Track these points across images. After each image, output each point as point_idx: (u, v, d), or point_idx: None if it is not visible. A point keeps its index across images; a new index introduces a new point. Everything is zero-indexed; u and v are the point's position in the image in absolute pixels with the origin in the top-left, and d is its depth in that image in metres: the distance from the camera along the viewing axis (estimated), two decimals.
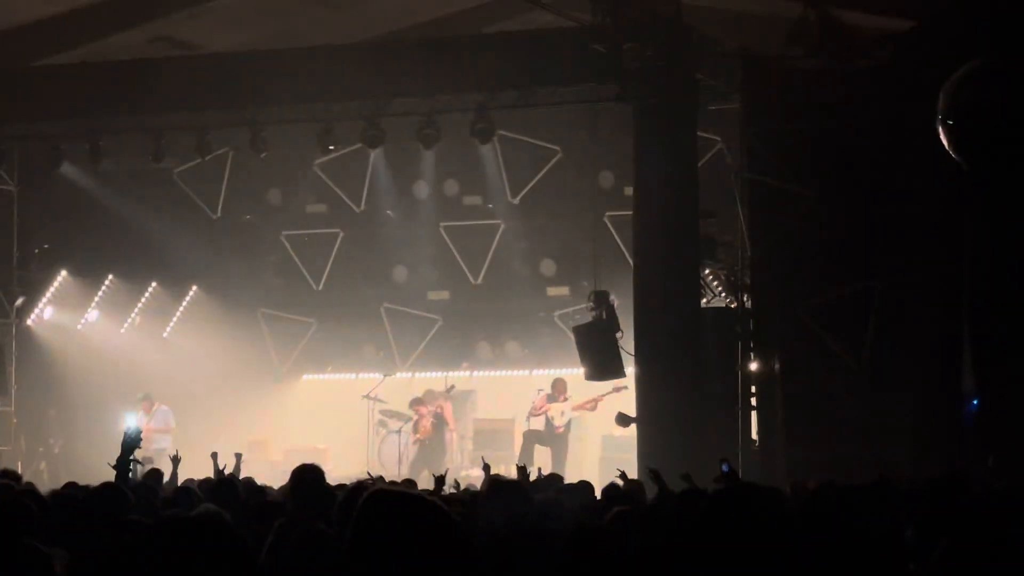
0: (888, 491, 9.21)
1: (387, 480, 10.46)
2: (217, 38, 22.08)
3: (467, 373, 25.64)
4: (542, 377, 24.50)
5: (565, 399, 23.52)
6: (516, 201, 25.04)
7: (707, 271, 19.76)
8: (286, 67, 20.64)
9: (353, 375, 26.11)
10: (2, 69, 21.72)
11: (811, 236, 18.23)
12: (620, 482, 11.92)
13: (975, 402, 17.00)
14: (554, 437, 23.33)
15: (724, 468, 17.11)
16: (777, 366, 18.26)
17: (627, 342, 19.53)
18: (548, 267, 25.23)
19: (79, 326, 25.23)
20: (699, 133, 19.54)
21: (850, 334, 17.87)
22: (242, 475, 13.37)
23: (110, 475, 9.78)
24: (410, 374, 25.75)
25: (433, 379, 25.64)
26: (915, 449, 16.73)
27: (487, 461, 10.99)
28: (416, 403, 24.47)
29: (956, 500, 7.84)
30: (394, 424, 24.26)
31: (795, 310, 18.30)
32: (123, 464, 9.99)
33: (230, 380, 24.55)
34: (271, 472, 18.61)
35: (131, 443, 10.15)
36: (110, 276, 25.57)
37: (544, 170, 24.67)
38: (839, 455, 16.05)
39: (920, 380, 17.44)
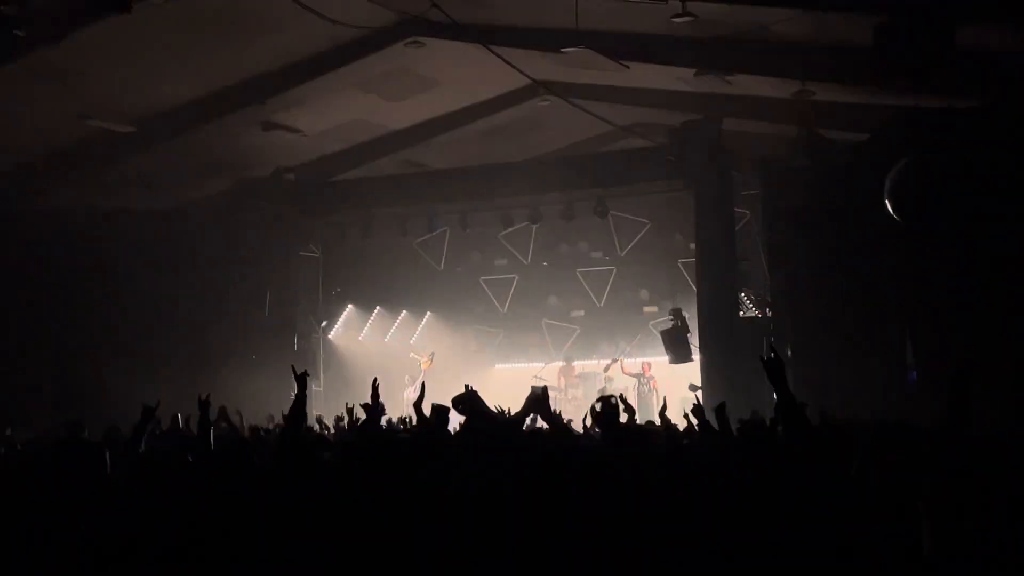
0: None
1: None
2: (439, 159, 22.52)
3: (595, 360, 25.69)
4: (640, 362, 24.12)
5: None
6: (623, 254, 25.29)
7: (743, 295, 19.57)
8: (482, 177, 21.10)
9: (526, 364, 26.18)
10: (314, 184, 22.33)
11: (808, 270, 18.11)
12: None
13: (914, 374, 16.69)
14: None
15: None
16: (789, 352, 17.86)
17: (694, 338, 19.67)
18: (644, 295, 25.38)
19: (360, 338, 25.45)
20: (735, 209, 19.59)
21: (838, 321, 17.36)
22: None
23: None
24: (561, 362, 25.93)
25: (579, 365, 25.48)
26: (880, 399, 15.66)
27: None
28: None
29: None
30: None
31: (802, 315, 18.18)
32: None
33: (451, 369, 24.45)
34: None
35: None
36: (377, 308, 25.94)
37: (640, 234, 24.86)
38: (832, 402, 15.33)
39: (878, 352, 16.99)
